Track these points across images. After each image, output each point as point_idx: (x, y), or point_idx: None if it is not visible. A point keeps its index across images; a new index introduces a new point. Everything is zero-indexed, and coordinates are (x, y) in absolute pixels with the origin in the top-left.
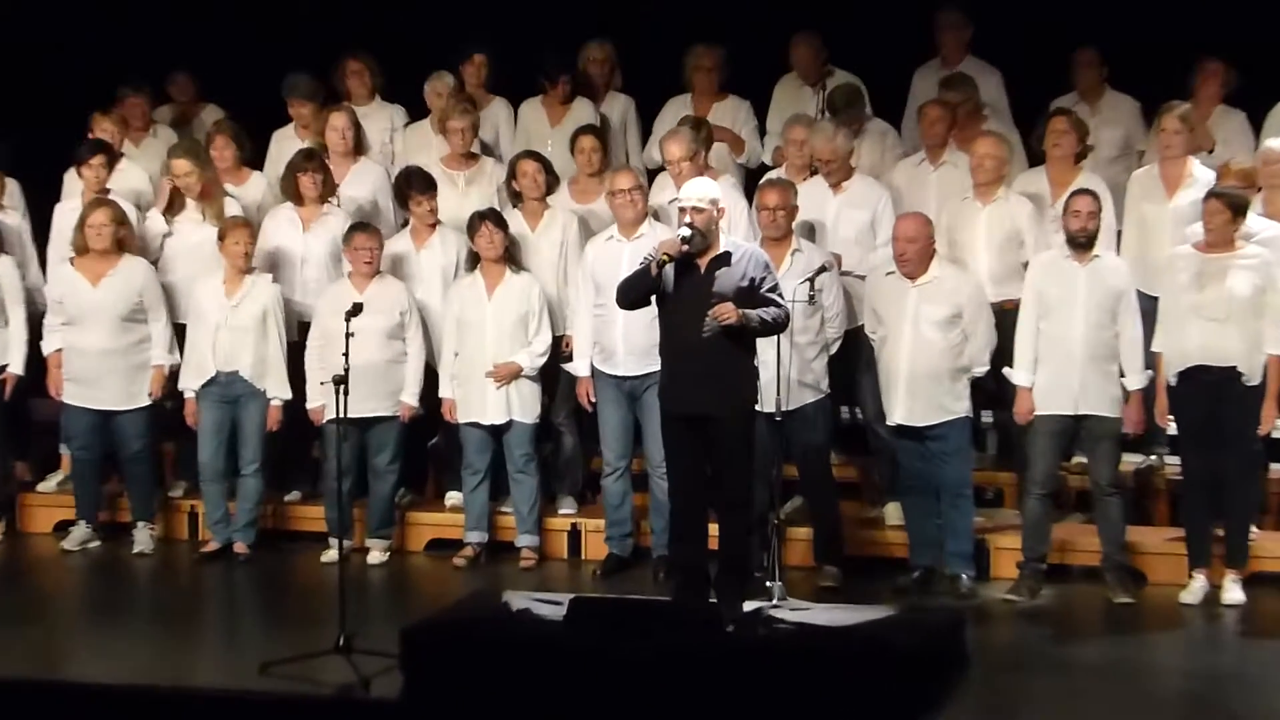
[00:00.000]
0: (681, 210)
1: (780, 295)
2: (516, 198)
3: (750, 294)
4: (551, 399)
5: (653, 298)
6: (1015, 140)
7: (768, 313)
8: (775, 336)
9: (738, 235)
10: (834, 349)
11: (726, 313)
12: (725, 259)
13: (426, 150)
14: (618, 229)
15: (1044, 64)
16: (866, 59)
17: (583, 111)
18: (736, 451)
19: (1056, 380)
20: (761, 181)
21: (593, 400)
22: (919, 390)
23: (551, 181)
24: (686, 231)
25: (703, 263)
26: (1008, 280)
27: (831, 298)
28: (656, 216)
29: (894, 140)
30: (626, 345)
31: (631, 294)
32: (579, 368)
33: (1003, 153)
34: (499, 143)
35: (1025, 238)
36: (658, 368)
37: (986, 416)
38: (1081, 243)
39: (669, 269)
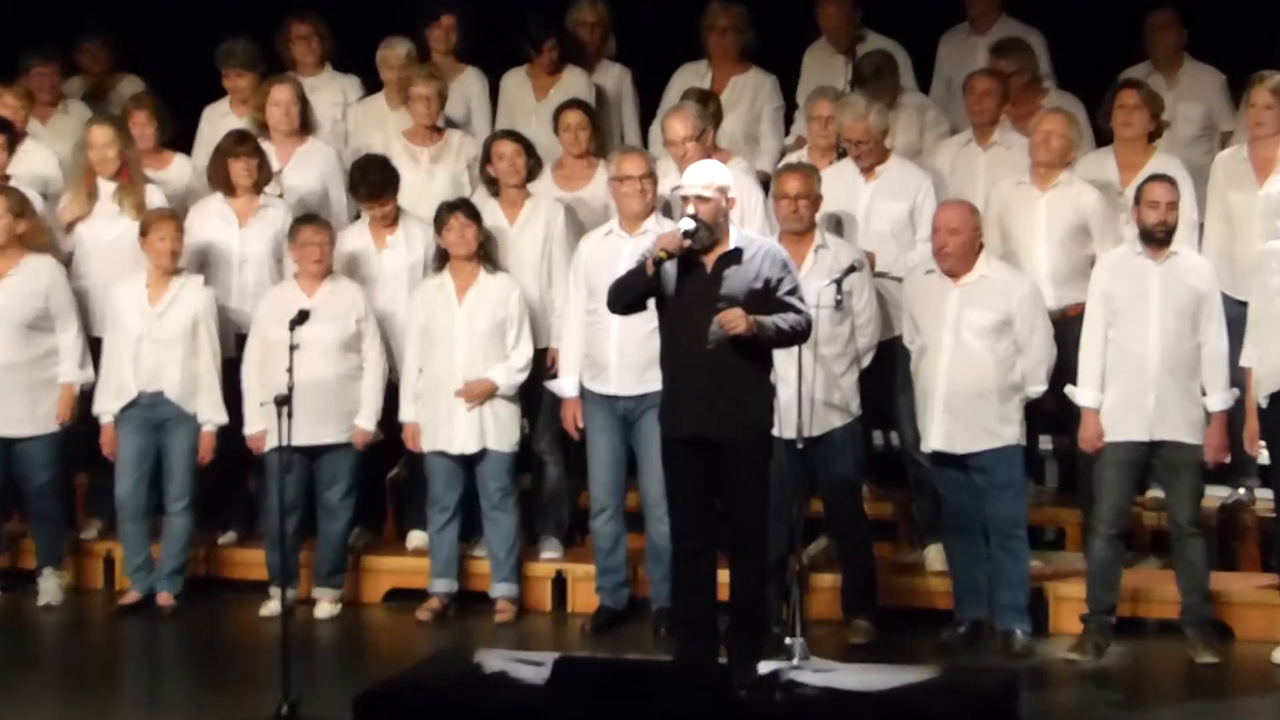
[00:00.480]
0: (684, 199)
1: (801, 299)
2: (493, 185)
3: (764, 297)
4: (533, 423)
5: (650, 302)
6: (1081, 117)
7: (785, 320)
8: (796, 348)
9: (753, 229)
10: (865, 362)
11: (734, 320)
12: (735, 256)
13: (383, 128)
14: (618, 222)
15: (1111, 27)
16: (906, 20)
17: (572, 83)
18: (748, 484)
19: (1127, 400)
20: (780, 165)
21: (580, 426)
22: (959, 410)
23: (534, 165)
24: (689, 224)
25: (709, 260)
26: (1070, 281)
27: (863, 302)
28: (667, 210)
29: (935, 116)
30: (621, 359)
31: (625, 296)
32: (565, 387)
33: (1072, 133)
34: (471, 120)
35: (1091, 231)
36: (658, 387)
37: (1045, 442)
38: (1157, 238)
39: (669, 267)
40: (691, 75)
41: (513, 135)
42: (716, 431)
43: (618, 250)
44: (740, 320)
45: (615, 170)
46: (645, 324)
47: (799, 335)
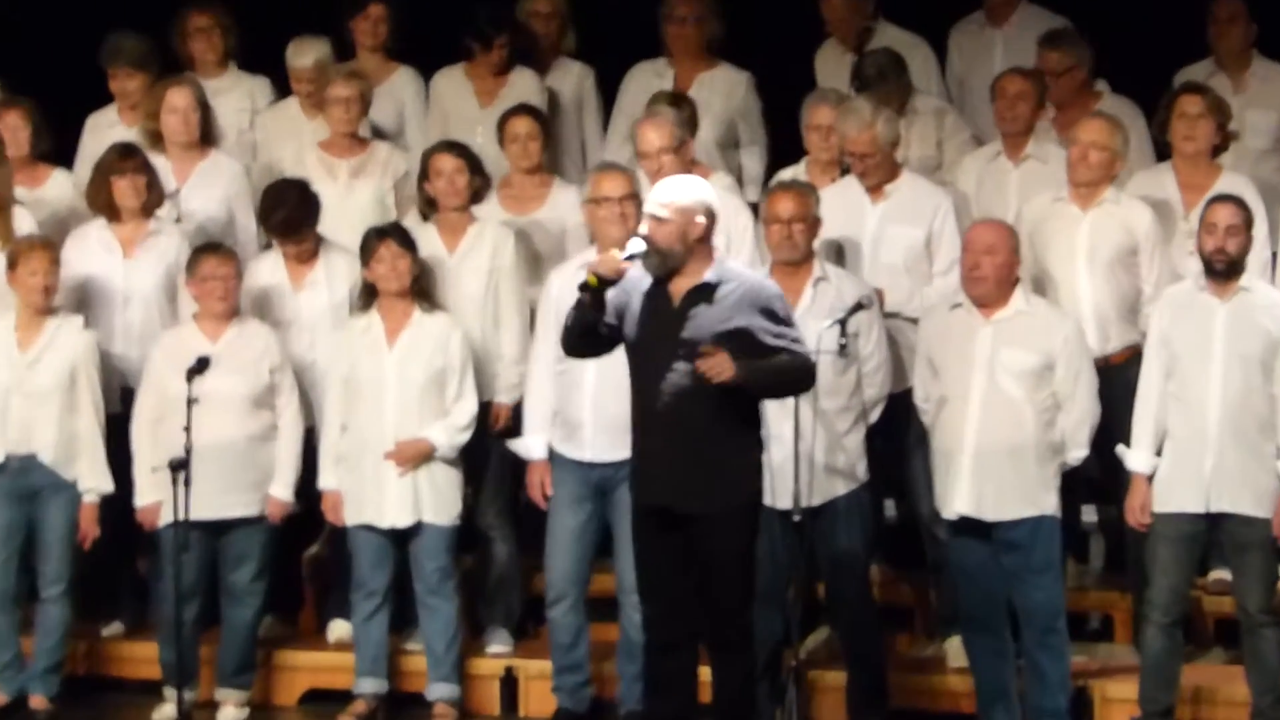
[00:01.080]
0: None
1: (798, 342)
2: (430, 207)
3: (738, 345)
4: (477, 492)
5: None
6: (1135, 124)
7: (776, 367)
8: (792, 400)
9: (740, 260)
10: (874, 416)
11: (718, 368)
12: (706, 292)
13: (297, 137)
14: (596, 253)
15: (1163, 20)
16: (927, 10)
17: (522, 86)
18: (729, 564)
19: (1181, 464)
20: (771, 184)
21: (548, 495)
22: (991, 470)
23: (479, 185)
24: (637, 245)
25: (675, 294)
26: (1117, 320)
27: (871, 346)
28: None
29: (955, 123)
30: (597, 418)
31: (571, 334)
32: (532, 447)
33: (1115, 142)
34: (404, 130)
35: (1143, 258)
36: None
37: (1089, 514)
38: (1216, 268)
39: (633, 301)
40: (649, 75)
41: (455, 148)
42: (689, 502)
43: None
44: (726, 368)
45: (591, 190)
46: (626, 375)
47: (799, 383)
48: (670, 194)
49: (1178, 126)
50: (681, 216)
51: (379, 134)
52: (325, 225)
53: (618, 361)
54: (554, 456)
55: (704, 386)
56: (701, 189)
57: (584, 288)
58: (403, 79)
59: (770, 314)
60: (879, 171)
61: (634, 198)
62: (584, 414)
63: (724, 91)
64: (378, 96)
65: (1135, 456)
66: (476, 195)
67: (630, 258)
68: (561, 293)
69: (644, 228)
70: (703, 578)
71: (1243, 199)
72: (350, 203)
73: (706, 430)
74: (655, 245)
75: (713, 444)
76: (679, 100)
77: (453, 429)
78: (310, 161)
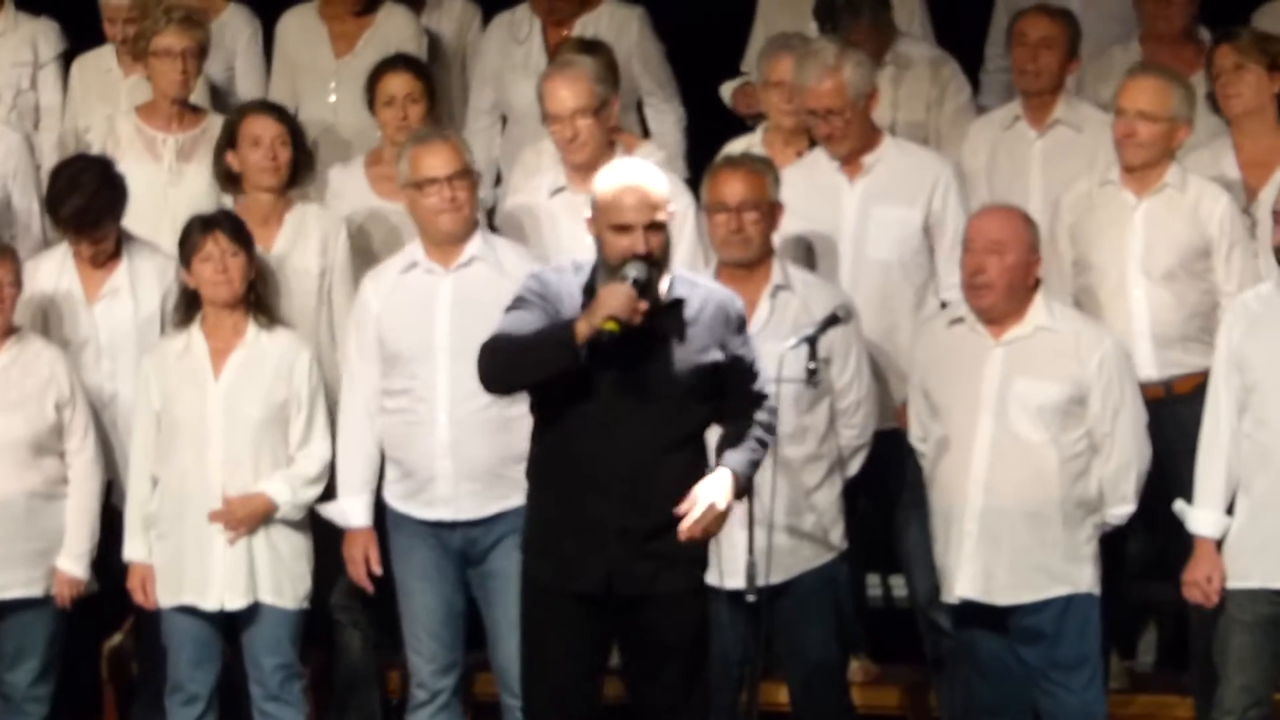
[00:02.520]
0: (623, 228)
1: (758, 378)
2: (232, 184)
3: (717, 382)
4: (330, 567)
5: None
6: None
7: (748, 450)
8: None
9: (680, 255)
10: (854, 468)
11: (711, 526)
12: (675, 315)
13: (109, 99)
14: (423, 249)
15: None
16: None
17: (391, 28)
18: (693, 658)
19: (1265, 526)
20: (716, 160)
21: (378, 573)
22: (1002, 537)
23: (303, 160)
24: (639, 270)
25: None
26: (1183, 339)
27: (849, 374)
28: (492, 223)
29: (956, 79)
30: (459, 465)
31: (523, 371)
32: (349, 512)
33: (1170, 107)
34: (234, 88)
35: (1218, 260)
36: (516, 504)
37: (1138, 591)
38: None
39: (543, 315)
40: (508, 26)
41: (275, 110)
42: (647, 584)
43: (429, 293)
44: (718, 514)
45: (410, 171)
46: (496, 408)
47: (767, 448)
48: (656, 187)
49: (1219, 88)
50: (669, 217)
51: (217, 96)
52: (143, 221)
53: (476, 390)
54: (398, 519)
55: (672, 438)
56: (663, 176)
57: (605, 337)
58: (236, 20)
59: (743, 329)
60: (850, 136)
61: (466, 174)
62: (437, 463)
63: (610, 36)
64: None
65: (1200, 516)
66: (297, 172)
67: (635, 284)
68: (383, 308)
69: (633, 242)
70: (652, 676)
71: None
72: (178, 192)
73: (669, 493)
74: (659, 262)
75: (674, 509)
76: (594, 47)
77: (298, 481)
78: (125, 133)
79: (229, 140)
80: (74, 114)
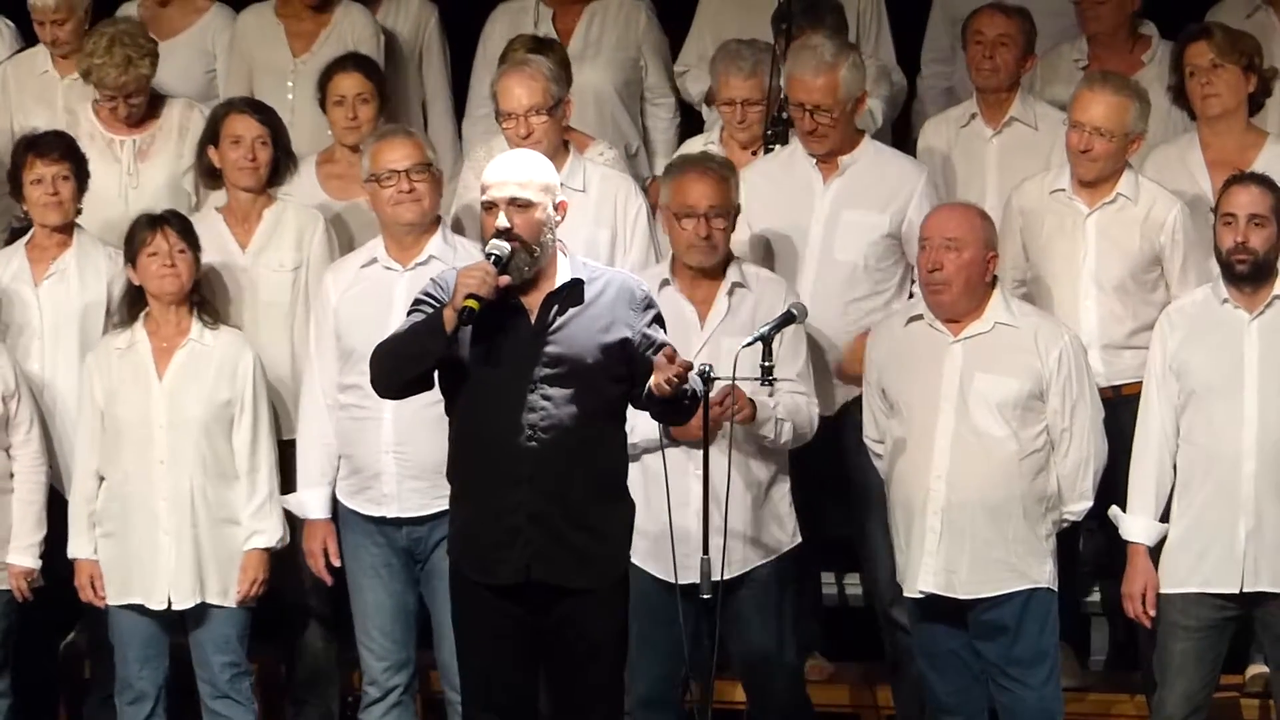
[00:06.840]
0: (488, 207)
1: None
2: (212, 180)
3: (625, 361)
4: (284, 561)
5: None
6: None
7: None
8: (695, 443)
9: (632, 258)
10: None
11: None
12: (574, 294)
13: (46, 101)
14: (384, 245)
15: None
16: None
17: (349, 27)
18: (612, 652)
19: (1204, 531)
20: (674, 159)
21: (335, 564)
22: (964, 531)
23: (282, 159)
24: (501, 246)
25: (531, 303)
26: (1130, 346)
27: (796, 370)
28: (460, 226)
29: (899, 83)
30: (402, 464)
31: (402, 369)
32: (307, 504)
33: (1126, 122)
34: (217, 83)
35: (1167, 268)
36: None
37: (1092, 596)
38: (1237, 271)
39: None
40: (512, 14)
41: (260, 110)
42: (566, 576)
43: (386, 290)
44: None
45: (371, 164)
46: (439, 407)
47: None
48: (527, 169)
49: (1192, 87)
50: (546, 196)
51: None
52: (100, 221)
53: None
54: (346, 515)
55: (583, 420)
56: (548, 165)
57: (465, 315)
58: (216, 22)
59: (650, 310)
60: (833, 136)
61: (426, 168)
62: (382, 460)
63: (618, 27)
64: (181, 46)
65: (1132, 522)
66: (277, 170)
67: (496, 261)
68: (342, 302)
69: (501, 219)
70: (569, 671)
71: (1271, 179)
72: (137, 194)
73: (585, 478)
74: (524, 241)
75: (592, 497)
76: (545, 45)
77: (264, 513)
78: (84, 133)
79: (211, 136)
80: (9, 117)
